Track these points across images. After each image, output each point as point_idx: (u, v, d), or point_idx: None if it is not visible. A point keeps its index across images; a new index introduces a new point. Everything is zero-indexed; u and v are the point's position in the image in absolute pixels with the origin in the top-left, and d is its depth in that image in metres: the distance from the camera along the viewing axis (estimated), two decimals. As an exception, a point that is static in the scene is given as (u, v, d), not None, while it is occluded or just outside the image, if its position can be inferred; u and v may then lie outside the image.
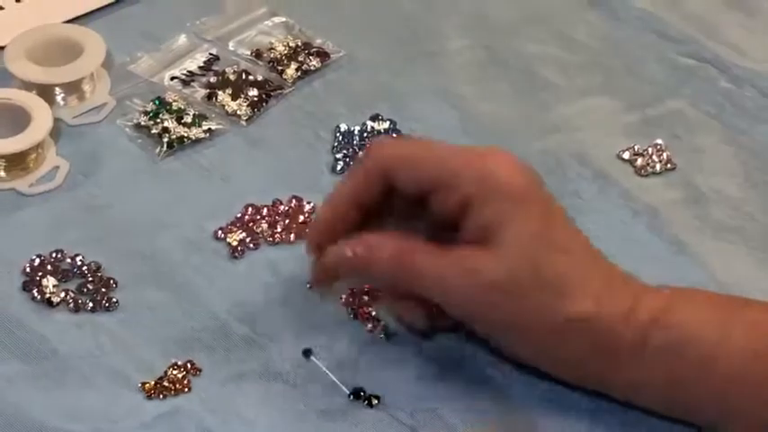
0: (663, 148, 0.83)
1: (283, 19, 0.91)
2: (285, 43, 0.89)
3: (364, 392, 0.68)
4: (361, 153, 0.81)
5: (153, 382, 0.68)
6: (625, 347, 0.63)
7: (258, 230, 0.77)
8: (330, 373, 0.69)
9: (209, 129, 0.83)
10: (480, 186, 0.64)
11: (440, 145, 0.69)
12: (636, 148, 0.83)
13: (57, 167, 0.80)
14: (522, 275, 0.63)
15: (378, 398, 0.67)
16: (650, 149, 0.83)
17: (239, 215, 0.78)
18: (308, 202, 0.78)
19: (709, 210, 0.80)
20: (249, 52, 0.89)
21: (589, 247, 0.66)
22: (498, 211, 0.64)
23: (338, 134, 0.83)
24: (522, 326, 0.64)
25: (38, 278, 0.73)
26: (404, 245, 0.66)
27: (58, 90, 0.83)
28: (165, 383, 0.68)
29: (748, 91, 0.87)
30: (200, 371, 0.69)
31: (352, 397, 0.68)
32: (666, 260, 0.76)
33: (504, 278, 0.63)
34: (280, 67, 0.87)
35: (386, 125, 0.84)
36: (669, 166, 0.82)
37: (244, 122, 0.84)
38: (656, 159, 0.82)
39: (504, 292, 0.63)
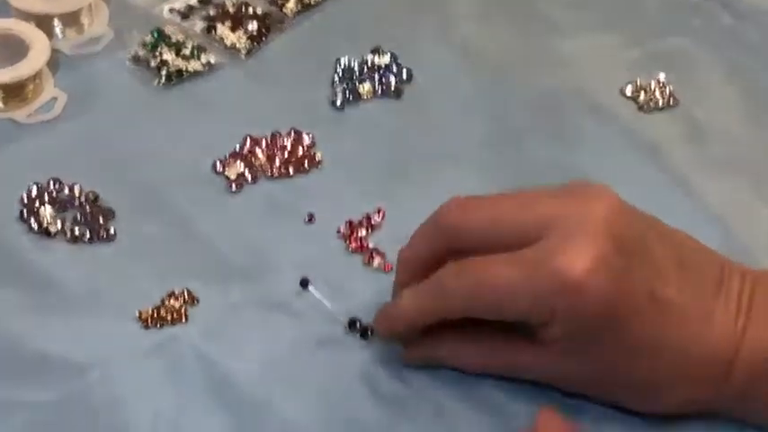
0: (665, 83, 0.82)
1: (284, -48, 0.91)
2: (285, -24, 0.88)
3: (360, 323, 0.68)
4: (361, 86, 0.81)
5: (150, 312, 0.68)
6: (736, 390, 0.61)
7: (257, 164, 0.77)
8: (327, 303, 0.68)
9: (209, 62, 0.83)
10: (562, 303, 0.58)
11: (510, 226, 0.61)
12: (638, 83, 0.82)
13: (55, 99, 0.79)
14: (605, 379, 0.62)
15: (373, 330, 0.67)
16: (653, 85, 0.82)
17: (238, 148, 0.77)
18: (308, 134, 0.78)
19: (710, 146, 0.79)
20: (249, -15, 0.88)
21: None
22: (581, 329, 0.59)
23: (338, 68, 0.83)
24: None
25: (35, 208, 0.73)
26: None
27: (56, 21, 0.82)
28: (162, 313, 0.68)
29: (751, 27, 0.87)
30: (197, 300, 0.69)
31: (348, 327, 0.68)
32: (667, 196, 0.76)
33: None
34: (280, 1, 0.87)
35: (387, 59, 0.83)
36: (672, 102, 0.82)
37: (243, 56, 0.84)
38: (659, 95, 0.82)
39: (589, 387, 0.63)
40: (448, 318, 0.62)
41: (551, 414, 0.58)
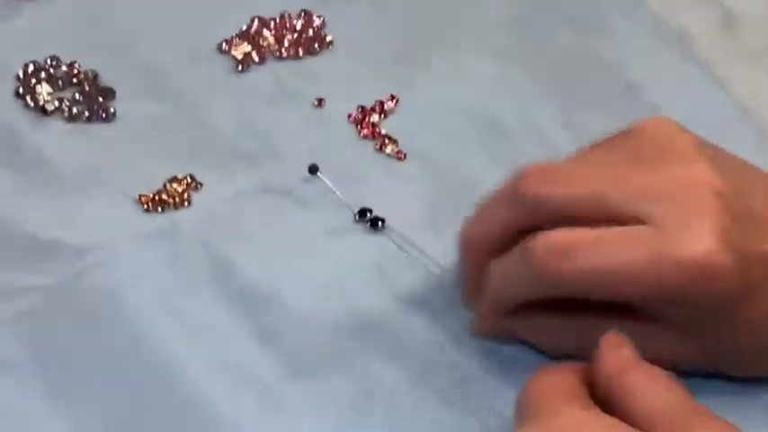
0: (695, -30, 0.78)
1: None
2: None
3: (370, 213, 0.64)
4: None
5: (151, 195, 0.65)
6: None
7: (264, 44, 0.73)
8: (336, 191, 0.65)
9: (216, -63, 0.78)
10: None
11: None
12: (668, -32, 0.78)
13: (53, -29, 0.75)
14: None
15: (382, 220, 0.64)
16: (682, -29, 0.78)
17: (245, 27, 0.73)
18: (318, 17, 0.74)
19: (740, 34, 0.75)
20: None
21: None
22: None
23: (351, -54, 0.78)
24: None
25: (31, 85, 0.69)
26: None
27: None
28: (164, 197, 0.65)
29: None
30: (200, 185, 0.66)
31: (357, 217, 0.64)
32: (694, 85, 0.72)
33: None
34: None
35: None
36: (701, -11, 0.78)
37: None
38: (688, -18, 0.78)
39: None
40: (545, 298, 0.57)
41: (618, 339, 0.54)
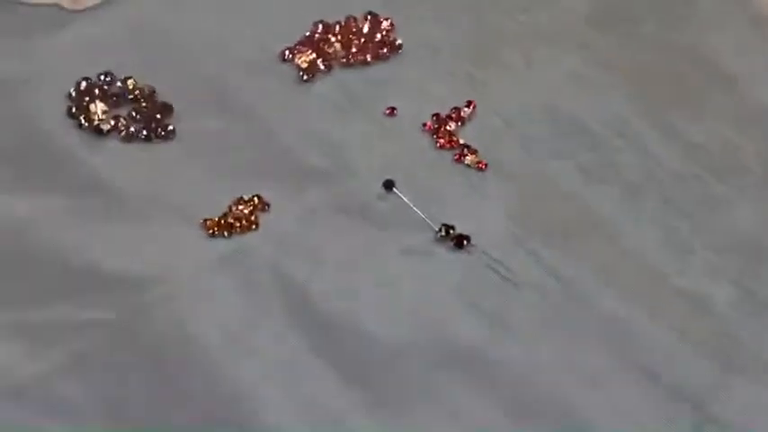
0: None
1: None
2: None
3: (453, 230, 0.60)
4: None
5: (216, 219, 0.61)
6: None
7: (330, 50, 0.68)
8: (415, 208, 0.61)
9: (273, -61, 0.74)
10: None
11: None
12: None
13: (104, -19, 0.71)
14: None
15: (468, 238, 0.60)
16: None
17: (308, 33, 0.69)
18: (386, 19, 0.70)
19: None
20: None
21: None
22: None
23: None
24: None
25: (85, 103, 0.65)
26: None
27: None
28: (230, 220, 0.61)
29: None
30: (268, 206, 0.62)
31: (440, 234, 0.60)
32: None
33: None
34: None
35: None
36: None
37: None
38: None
39: None
40: None
41: None
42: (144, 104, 0.65)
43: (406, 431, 0.54)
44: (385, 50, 0.69)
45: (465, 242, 0.60)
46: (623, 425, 0.55)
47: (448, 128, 0.65)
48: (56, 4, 0.70)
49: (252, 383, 0.55)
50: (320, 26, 0.69)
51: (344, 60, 0.68)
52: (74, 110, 0.65)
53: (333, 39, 0.69)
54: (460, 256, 0.60)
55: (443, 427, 0.55)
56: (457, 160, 0.64)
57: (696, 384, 0.56)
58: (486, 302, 0.58)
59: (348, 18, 0.70)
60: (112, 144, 0.64)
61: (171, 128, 0.65)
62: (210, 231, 0.60)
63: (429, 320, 0.58)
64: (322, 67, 0.68)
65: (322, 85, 0.67)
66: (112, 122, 0.64)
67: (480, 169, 0.64)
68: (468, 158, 0.64)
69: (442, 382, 0.56)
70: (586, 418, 0.55)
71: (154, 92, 0.66)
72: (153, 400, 0.55)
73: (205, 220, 0.61)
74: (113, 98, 0.65)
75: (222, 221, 0.61)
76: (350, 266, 0.60)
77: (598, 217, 0.62)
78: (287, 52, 0.68)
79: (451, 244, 0.60)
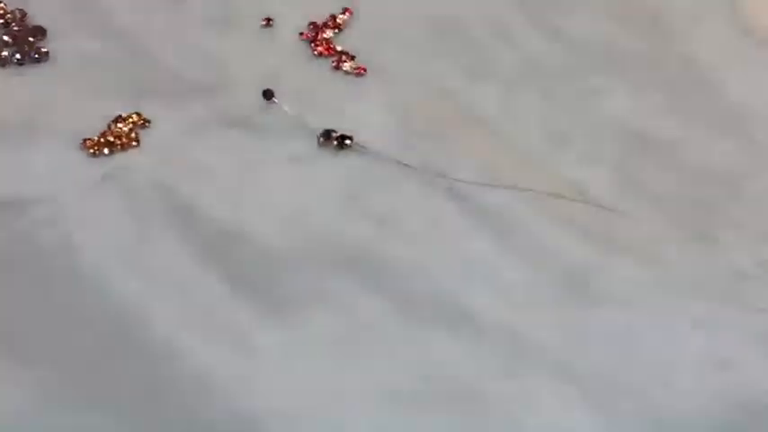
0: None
1: None
2: None
3: (335, 133, 0.60)
4: None
5: (96, 138, 0.60)
6: None
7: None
8: (295, 115, 0.61)
9: None
10: None
11: None
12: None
13: None
14: None
15: (350, 138, 0.60)
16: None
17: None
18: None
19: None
20: None
21: None
22: None
23: None
24: None
25: (-46, 30, 0.64)
26: None
27: None
28: (110, 138, 0.60)
29: None
30: (148, 122, 0.61)
31: (322, 139, 0.60)
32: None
33: None
34: None
35: None
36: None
37: None
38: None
39: None
40: None
41: None
42: (16, 28, 0.64)
43: (300, 333, 0.55)
44: (257, -39, 0.68)
45: (347, 142, 0.60)
46: (512, 312, 0.56)
47: (325, 35, 0.65)
48: None
49: (142, 297, 0.55)
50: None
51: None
52: (-57, 37, 0.64)
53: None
54: (344, 160, 0.60)
55: (337, 326, 0.55)
56: (336, 67, 0.64)
57: (581, 266, 0.57)
58: (371, 204, 0.59)
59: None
60: (-14, 70, 0.63)
61: (45, 50, 0.64)
62: (91, 151, 0.60)
63: (316, 225, 0.58)
64: (194, -20, 0.67)
65: (197, 0, 0.67)
66: (-17, 48, 0.64)
67: (360, 74, 0.64)
68: (347, 65, 0.64)
69: (332, 284, 0.56)
70: (471, 306, 0.55)
71: (25, 15, 0.65)
72: (42, 319, 0.54)
73: (85, 140, 0.60)
74: (-17, 24, 0.65)
75: (102, 140, 0.60)
76: (234, 177, 0.59)
77: (479, 114, 0.63)
78: (159, -31, 0.68)
79: (334, 146, 0.60)
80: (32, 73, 0.63)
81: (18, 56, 0.63)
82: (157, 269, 0.56)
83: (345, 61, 0.64)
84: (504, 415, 0.53)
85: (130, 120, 0.61)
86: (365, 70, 0.64)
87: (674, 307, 0.56)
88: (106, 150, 0.60)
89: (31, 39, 0.64)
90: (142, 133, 0.61)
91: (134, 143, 0.60)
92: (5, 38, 0.64)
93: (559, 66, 0.65)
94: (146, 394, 0.53)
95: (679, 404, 0.54)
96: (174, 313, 0.55)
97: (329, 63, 0.64)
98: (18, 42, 0.64)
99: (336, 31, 0.65)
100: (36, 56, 0.63)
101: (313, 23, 0.65)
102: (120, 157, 0.60)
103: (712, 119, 0.64)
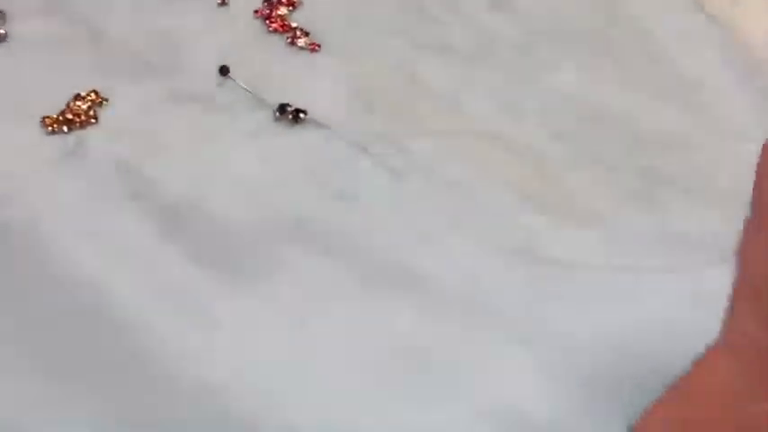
0: None
1: None
2: None
3: (290, 107, 0.61)
4: None
5: (55, 116, 0.61)
6: None
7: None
8: (251, 90, 0.62)
9: None
10: None
11: None
12: None
13: None
14: None
15: (304, 112, 0.61)
16: None
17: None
18: None
19: None
20: None
21: None
22: None
23: None
24: None
25: None
26: None
27: None
28: (69, 116, 0.61)
29: None
30: (106, 100, 0.62)
31: (277, 113, 0.61)
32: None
33: None
34: None
35: None
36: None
37: None
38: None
39: None
40: None
41: None
42: (-27, 10, 0.65)
43: (260, 303, 0.55)
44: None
45: (301, 115, 0.61)
46: (464, 279, 0.56)
47: (279, 12, 0.66)
48: None
49: (101, 270, 0.55)
50: None
51: (173, -46, 0.69)
52: None
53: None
54: (301, 134, 0.61)
55: (296, 296, 0.56)
56: (290, 43, 0.65)
57: (533, 232, 0.58)
58: (328, 176, 0.59)
59: None
60: (-57, 51, 0.64)
61: (2, 32, 0.64)
62: (50, 128, 0.61)
63: (273, 197, 0.58)
64: (151, -39, 0.68)
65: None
66: (-59, 30, 0.64)
67: (314, 50, 0.65)
68: (302, 41, 0.65)
69: (291, 255, 0.57)
70: (426, 275, 0.56)
71: (-18, -3, 0.66)
72: (1, 293, 0.55)
73: (44, 118, 0.61)
74: (-59, 6, 0.65)
75: (61, 118, 0.61)
76: (192, 152, 0.60)
77: (434, 89, 0.64)
78: (114, -51, 0.68)
79: (289, 120, 0.61)
80: (-10, 54, 0.64)
81: (-24, 37, 0.64)
82: (117, 243, 0.57)
83: (300, 37, 0.65)
84: (458, 379, 0.54)
85: (89, 98, 0.62)
86: (319, 46, 0.65)
87: (622, 270, 0.57)
88: (65, 128, 0.60)
89: (-12, 20, 0.65)
90: (100, 111, 0.61)
91: (92, 120, 0.61)
92: (-37, 20, 0.65)
93: (513, 40, 0.66)
94: (107, 365, 0.53)
95: (631, 366, 0.55)
96: (134, 286, 0.55)
97: (284, 39, 0.65)
98: (-25, 24, 0.64)
99: (291, 8, 0.66)
100: (-6, 37, 0.64)
101: (268, 1, 0.66)
102: (78, 135, 0.61)
103: (661, 90, 0.65)
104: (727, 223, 0.58)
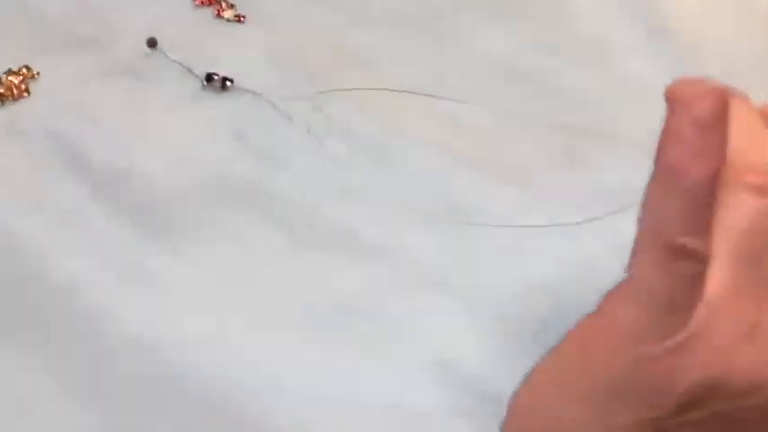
0: None
1: None
2: None
3: (217, 76, 0.63)
4: None
5: (-13, 92, 0.63)
6: None
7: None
8: (178, 61, 0.64)
9: None
10: None
11: None
12: None
13: None
14: None
15: (231, 80, 0.63)
16: None
17: None
18: None
19: None
20: None
21: None
22: None
23: None
24: None
25: None
26: None
27: None
28: (1, 90, 0.62)
29: None
30: (38, 74, 0.63)
31: (205, 83, 0.63)
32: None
33: None
34: None
35: None
36: None
37: None
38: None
39: None
40: None
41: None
42: None
43: (197, 266, 0.57)
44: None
45: (228, 83, 0.63)
46: (394, 234, 0.58)
47: (206, -15, 0.68)
48: None
49: (40, 239, 0.57)
50: None
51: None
52: None
53: None
54: (228, 100, 0.63)
55: (232, 257, 0.57)
56: (217, 15, 0.67)
57: (457, 190, 0.60)
58: (256, 142, 0.61)
59: None
60: None
61: (-68, 11, 0.66)
62: (-16, 104, 0.62)
63: (206, 162, 0.60)
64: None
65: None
66: None
67: (239, 22, 0.67)
68: (227, 13, 0.67)
69: (224, 218, 0.58)
70: (355, 232, 0.58)
71: None
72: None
73: (-22, 94, 0.62)
74: None
75: (-7, 92, 0.63)
76: (123, 121, 0.62)
77: (360, 55, 0.66)
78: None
79: (217, 88, 0.63)
80: None
81: None
82: (55, 212, 0.58)
83: (225, 10, 0.67)
84: (392, 332, 0.55)
85: (21, 73, 0.63)
86: (245, 17, 0.66)
87: (547, 224, 0.59)
88: (-2, 102, 0.62)
89: None
90: (33, 85, 0.63)
91: (25, 94, 0.62)
92: None
93: (434, 6, 0.69)
94: (49, 329, 0.55)
95: (558, 315, 0.57)
96: (72, 253, 0.57)
97: (210, 12, 0.67)
98: None
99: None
100: None
101: (195, -25, 0.68)
102: (11, 108, 0.62)
103: (575, 49, 0.67)
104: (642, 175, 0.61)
